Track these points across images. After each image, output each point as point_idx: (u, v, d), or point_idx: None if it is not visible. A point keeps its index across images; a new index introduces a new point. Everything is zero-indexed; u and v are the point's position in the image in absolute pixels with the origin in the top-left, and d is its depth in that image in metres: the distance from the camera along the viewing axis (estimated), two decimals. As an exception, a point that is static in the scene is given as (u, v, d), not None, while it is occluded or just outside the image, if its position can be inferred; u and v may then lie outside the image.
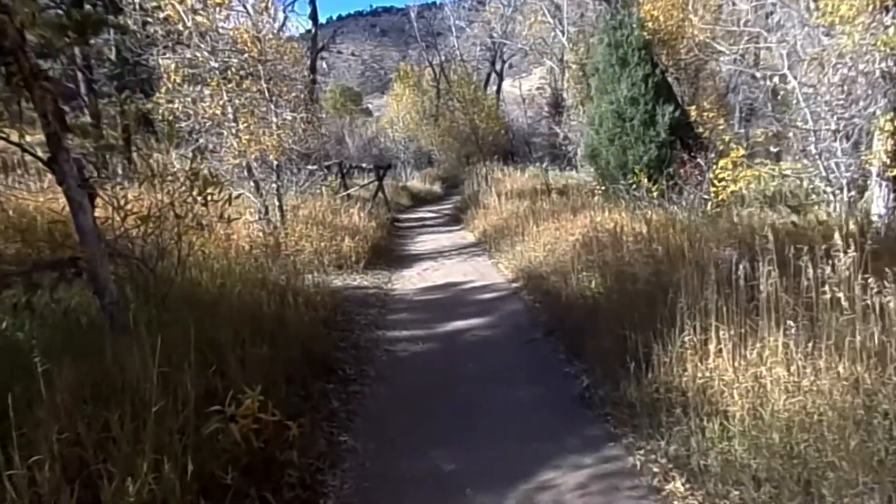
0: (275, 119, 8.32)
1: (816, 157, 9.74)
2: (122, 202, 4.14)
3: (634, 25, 11.25)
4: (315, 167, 14.24)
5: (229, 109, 8.59)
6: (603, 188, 11.23)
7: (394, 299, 7.17)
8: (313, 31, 25.16)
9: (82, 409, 2.67)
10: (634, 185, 10.38)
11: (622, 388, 3.86)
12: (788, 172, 9.73)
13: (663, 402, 3.58)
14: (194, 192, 4.44)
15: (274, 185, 9.04)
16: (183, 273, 4.56)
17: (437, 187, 24.95)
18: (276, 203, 9.06)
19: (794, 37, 10.63)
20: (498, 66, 34.77)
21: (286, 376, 4.01)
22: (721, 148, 9.71)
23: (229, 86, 8.44)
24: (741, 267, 4.12)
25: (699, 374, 3.56)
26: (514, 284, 7.47)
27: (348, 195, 14.47)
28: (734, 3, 10.82)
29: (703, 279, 4.16)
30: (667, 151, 11.04)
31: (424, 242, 11.79)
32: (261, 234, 8.57)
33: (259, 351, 3.84)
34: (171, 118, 7.84)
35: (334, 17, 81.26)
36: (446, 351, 5.24)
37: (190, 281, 4.76)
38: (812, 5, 10.12)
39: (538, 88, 36.02)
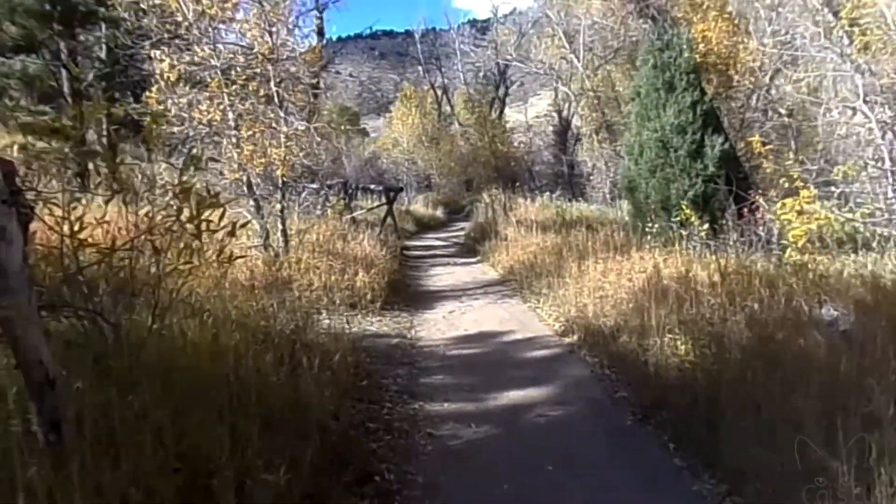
0: (284, 128, 7.05)
1: (893, 201, 8.66)
2: (76, 226, 2.82)
3: (684, 47, 10.19)
4: (318, 186, 13.00)
5: (230, 115, 7.33)
6: (641, 224, 10.05)
7: (423, 353, 5.84)
8: (319, 45, 24.21)
9: None
10: (681, 223, 9.21)
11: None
12: (862, 219, 8.52)
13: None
14: (184, 216, 3.12)
15: (277, 206, 7.73)
16: (161, 327, 3.22)
17: (439, 213, 23.81)
18: (280, 227, 7.75)
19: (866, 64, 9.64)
20: (501, 92, 33.94)
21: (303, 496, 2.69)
22: (787, 186, 8.54)
23: (232, 88, 7.19)
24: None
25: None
26: (567, 340, 6.17)
27: (353, 219, 13.20)
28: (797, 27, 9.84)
29: None
30: (713, 187, 9.90)
31: (441, 276, 10.50)
32: (261, 263, 7.27)
33: (272, 478, 2.50)
34: (160, 122, 6.56)
35: (334, 38, 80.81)
36: (510, 440, 3.91)
37: (171, 339, 3.44)
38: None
39: (545, 115, 35.25)
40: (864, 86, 9.28)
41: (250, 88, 7.01)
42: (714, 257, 7.77)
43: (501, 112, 33.87)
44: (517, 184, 23.39)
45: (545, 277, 8.32)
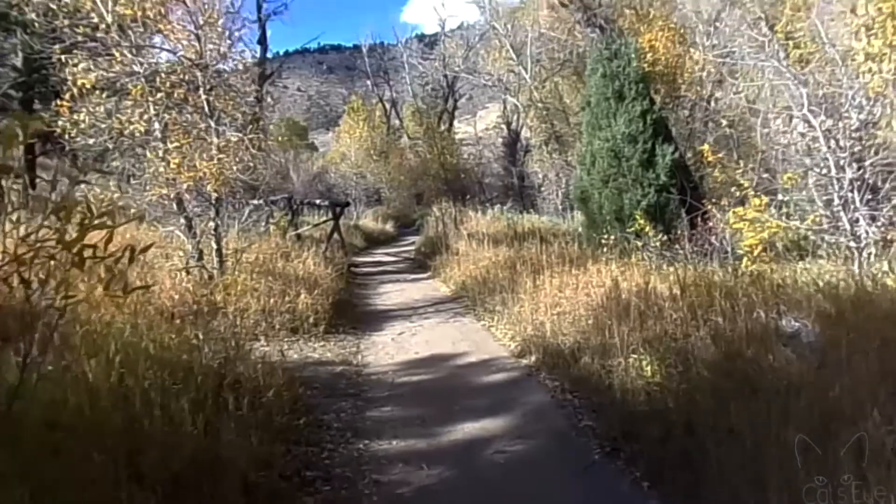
0: (216, 140, 6.47)
1: (840, 209, 8.68)
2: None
3: (632, 56, 10.09)
4: (261, 202, 12.36)
5: (156, 125, 6.72)
6: (595, 235, 9.83)
7: (370, 382, 5.34)
8: (260, 56, 23.49)
9: None
10: (636, 234, 9.03)
11: None
12: (813, 227, 8.45)
13: None
14: (68, 235, 2.55)
15: (211, 224, 7.12)
16: (35, 381, 2.64)
17: (389, 227, 23.33)
18: (214, 246, 7.13)
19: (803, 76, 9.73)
20: (450, 105, 33.79)
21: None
22: (738, 194, 8.43)
23: (158, 96, 6.58)
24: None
25: None
26: (525, 361, 5.78)
27: (298, 236, 12.59)
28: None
29: None
30: (666, 196, 9.79)
31: (390, 294, 10.01)
32: (191, 287, 6.66)
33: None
34: (72, 133, 5.92)
35: (281, 52, 79.73)
36: (467, 483, 3.46)
37: (62, 384, 2.87)
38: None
39: (494, 127, 35.22)
40: (803, 96, 9.33)
41: (176, 96, 6.41)
42: (672, 269, 7.59)
43: (451, 125, 33.69)
44: (467, 196, 23.18)
45: (499, 293, 7.95)
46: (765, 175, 9.79)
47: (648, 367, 4.44)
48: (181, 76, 6.40)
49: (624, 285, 6.56)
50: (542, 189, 19.24)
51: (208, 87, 6.54)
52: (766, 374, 4.13)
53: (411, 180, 27.84)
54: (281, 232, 10.80)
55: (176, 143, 6.30)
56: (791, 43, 9.50)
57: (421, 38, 42.69)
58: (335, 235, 12.61)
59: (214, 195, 6.92)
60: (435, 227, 15.59)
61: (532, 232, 12.86)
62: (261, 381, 4.13)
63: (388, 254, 16.77)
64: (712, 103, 12.96)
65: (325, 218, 13.81)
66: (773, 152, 12.07)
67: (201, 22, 6.47)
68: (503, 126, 32.33)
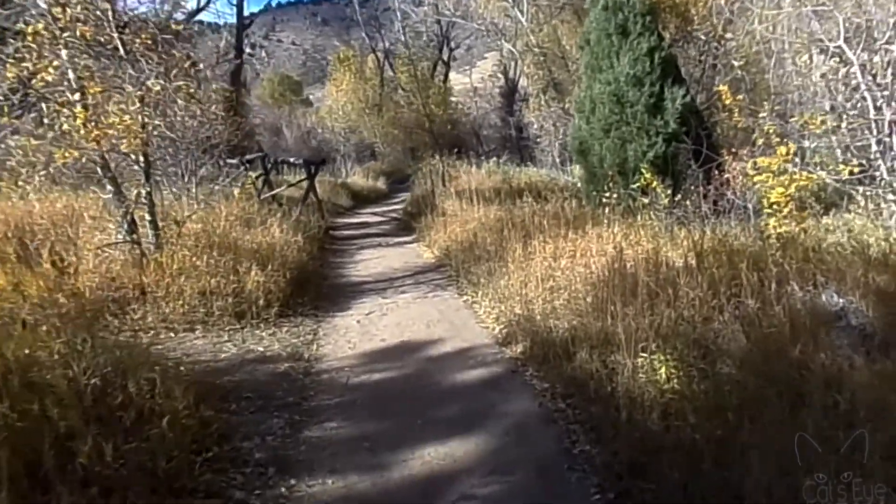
0: (131, 89, 5.33)
1: (878, 155, 7.55)
2: None
3: (638, -17, 8.77)
4: (235, 161, 11.25)
5: (70, 74, 5.57)
6: (596, 192, 8.72)
7: (319, 383, 4.34)
8: (237, 3, 21.94)
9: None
10: (641, 190, 7.92)
11: None
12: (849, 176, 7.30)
13: None
14: None
15: (143, 190, 6.04)
16: None
17: (381, 183, 22.18)
18: (148, 217, 6.07)
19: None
20: (445, 55, 32.12)
21: None
22: (760, 143, 7.25)
23: (65, 35, 5.40)
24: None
25: None
26: (509, 352, 4.79)
27: (274, 197, 11.50)
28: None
29: None
30: (676, 146, 8.62)
31: (367, 262, 8.98)
32: (119, 267, 5.65)
33: None
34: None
35: (273, 5, 77.02)
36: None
37: None
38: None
39: (490, 76, 33.58)
40: (840, 25, 8.10)
41: (82, 34, 5.23)
42: (685, 232, 6.53)
43: (446, 75, 32.08)
44: (461, 149, 21.91)
45: (485, 261, 6.93)
46: (776, 120, 8.58)
47: (662, 370, 3.45)
48: (85, 7, 5.20)
49: (629, 253, 5.55)
50: (540, 140, 17.96)
51: (120, 24, 5.36)
52: (817, 378, 3.16)
53: (405, 134, 26.51)
54: (247, 195, 9.69)
55: (80, 94, 5.15)
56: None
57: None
58: (310, 196, 11.50)
59: (144, 156, 5.82)
60: (423, 184, 14.47)
61: (528, 187, 11.77)
62: (157, 403, 3.15)
63: (374, 213, 15.69)
64: (722, 44, 11.64)
65: (301, 177, 12.66)
66: (788, 95, 10.87)
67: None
68: (500, 75, 30.77)
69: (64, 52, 5.55)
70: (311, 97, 51.74)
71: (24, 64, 5.35)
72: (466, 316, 5.91)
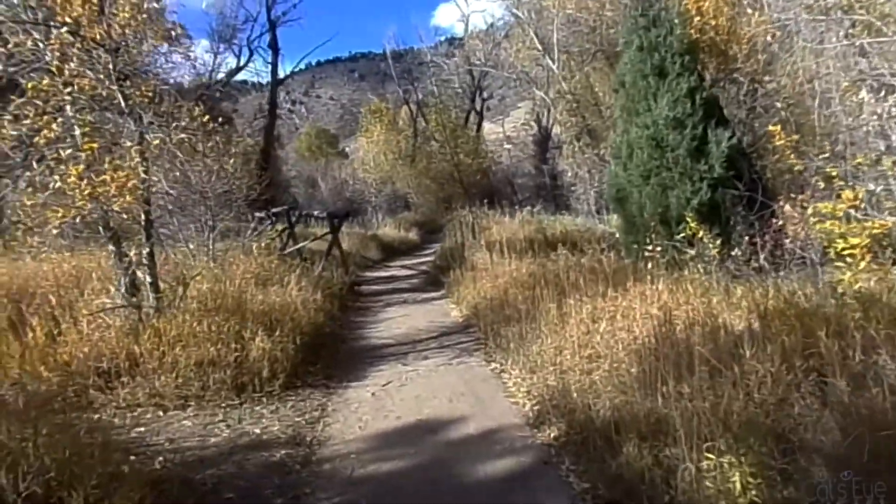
0: (129, 143, 4.97)
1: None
2: None
3: (675, 22, 8.26)
4: (261, 215, 11.00)
5: (76, 130, 5.28)
6: (637, 243, 8.03)
7: (318, 477, 3.68)
8: (272, 61, 22.39)
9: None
10: (687, 241, 7.21)
11: None
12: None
13: None
14: None
15: (145, 251, 5.63)
16: None
17: (413, 234, 21.78)
18: (148, 279, 5.64)
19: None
20: (478, 105, 32.23)
21: None
22: (822, 186, 6.47)
23: (67, 91, 5.12)
24: None
25: None
26: (542, 436, 4.08)
27: (299, 251, 11.13)
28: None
29: None
30: (723, 192, 7.91)
31: (392, 321, 8.40)
32: (114, 334, 5.20)
33: None
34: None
35: (313, 63, 79.89)
36: None
37: None
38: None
39: (523, 124, 33.49)
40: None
41: (80, 87, 4.93)
42: (741, 289, 5.78)
43: (479, 125, 32.09)
44: (494, 199, 21.46)
45: (516, 323, 6.27)
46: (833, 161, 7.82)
47: (737, 479, 2.71)
48: (85, 60, 4.91)
49: (677, 314, 4.85)
50: (574, 188, 17.40)
51: (121, 76, 5.05)
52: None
53: (438, 184, 26.30)
54: (268, 250, 9.30)
55: (71, 151, 4.81)
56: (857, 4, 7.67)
57: (451, 41, 41.08)
58: (334, 251, 11.07)
59: (144, 215, 5.43)
60: (453, 236, 13.96)
61: (563, 237, 11.16)
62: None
63: (404, 266, 15.19)
64: (763, 84, 11.02)
65: (327, 230, 12.29)
66: (839, 136, 10.08)
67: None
68: (532, 123, 30.61)
69: (69, 108, 5.28)
70: (346, 149, 52.81)
71: (24, 122, 5.09)
72: (494, 388, 5.22)
